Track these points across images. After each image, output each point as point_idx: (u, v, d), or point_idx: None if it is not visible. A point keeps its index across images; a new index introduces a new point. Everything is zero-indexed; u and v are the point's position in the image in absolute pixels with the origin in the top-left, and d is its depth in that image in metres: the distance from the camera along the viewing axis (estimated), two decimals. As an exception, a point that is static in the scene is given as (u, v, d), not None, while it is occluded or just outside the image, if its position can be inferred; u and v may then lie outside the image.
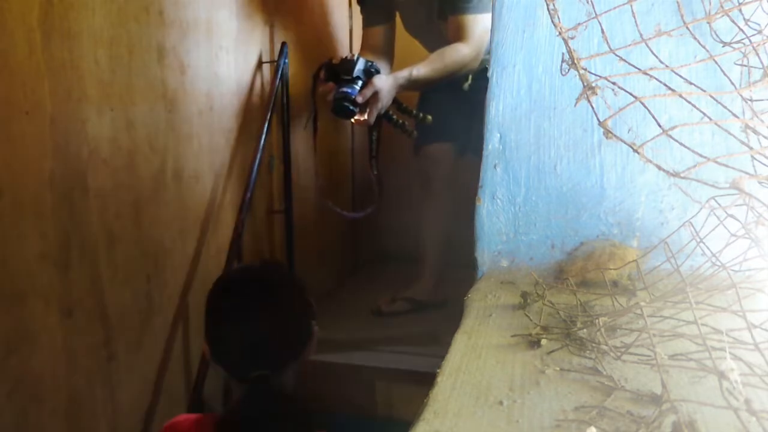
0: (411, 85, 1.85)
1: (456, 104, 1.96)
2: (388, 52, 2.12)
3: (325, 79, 1.85)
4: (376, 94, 1.80)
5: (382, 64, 2.02)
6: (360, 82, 1.79)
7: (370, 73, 1.82)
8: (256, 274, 1.13)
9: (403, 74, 1.83)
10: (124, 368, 1.55)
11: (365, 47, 2.10)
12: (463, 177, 1.87)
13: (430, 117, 1.93)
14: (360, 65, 1.82)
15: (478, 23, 1.80)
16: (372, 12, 2.08)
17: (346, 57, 1.83)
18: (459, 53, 1.81)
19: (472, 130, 1.92)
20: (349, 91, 1.77)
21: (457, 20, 1.81)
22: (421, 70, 1.83)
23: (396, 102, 1.91)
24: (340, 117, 1.83)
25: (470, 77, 1.96)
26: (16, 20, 1.23)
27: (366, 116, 1.83)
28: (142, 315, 1.61)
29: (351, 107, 1.78)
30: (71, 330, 1.40)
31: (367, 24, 2.10)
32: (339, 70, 1.82)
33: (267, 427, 1.01)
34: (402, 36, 2.22)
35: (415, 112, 1.95)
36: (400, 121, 1.97)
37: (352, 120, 1.86)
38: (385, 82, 1.81)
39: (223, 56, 1.97)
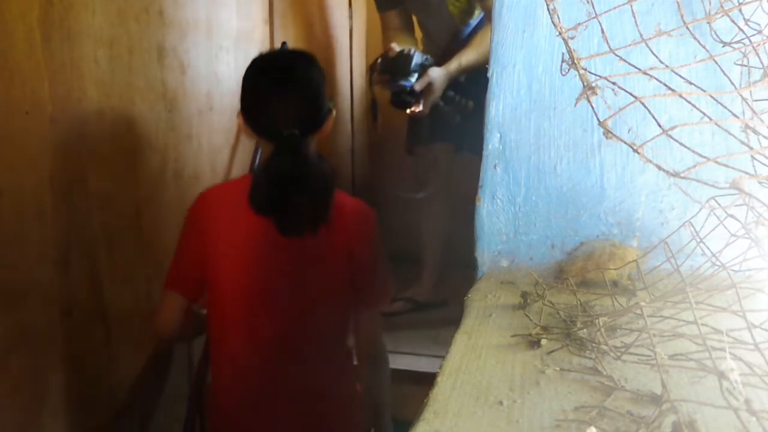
0: (461, 72, 1.90)
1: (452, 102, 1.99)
2: (409, 30, 2.17)
3: (380, 71, 1.93)
4: (430, 86, 1.88)
5: (409, 43, 2.07)
6: (416, 75, 1.89)
7: (424, 66, 1.91)
8: (288, 54, 1.49)
9: (453, 65, 1.91)
10: (124, 368, 1.55)
11: (386, 30, 2.15)
12: (462, 175, 1.89)
13: (471, 103, 1.97)
14: (417, 59, 1.91)
15: None
16: None
17: (402, 50, 1.91)
18: None
19: (468, 128, 1.93)
20: (407, 84, 1.88)
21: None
22: (470, 56, 1.90)
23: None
24: (398, 108, 1.94)
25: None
26: (16, 20, 1.23)
27: (421, 107, 1.93)
28: (142, 315, 1.61)
29: (409, 99, 1.90)
30: (71, 330, 1.40)
31: (381, 10, 2.15)
32: (396, 63, 1.91)
33: (296, 178, 1.20)
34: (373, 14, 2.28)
35: (457, 98, 1.99)
36: (447, 109, 2.02)
37: (408, 111, 1.94)
38: (438, 74, 1.89)
39: (223, 56, 1.97)
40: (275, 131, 1.22)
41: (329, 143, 2.73)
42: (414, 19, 2.20)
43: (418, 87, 1.86)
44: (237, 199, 1.21)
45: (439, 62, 1.98)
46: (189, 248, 1.32)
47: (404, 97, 1.90)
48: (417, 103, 1.91)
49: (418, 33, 2.22)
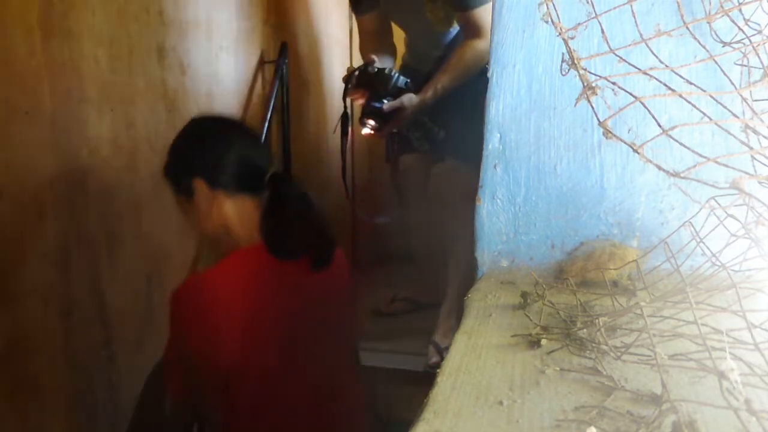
0: (437, 98, 1.84)
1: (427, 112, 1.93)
2: (386, 34, 2.10)
3: (355, 84, 1.84)
4: (401, 112, 1.81)
5: (384, 48, 2.02)
6: (390, 98, 1.81)
7: (401, 90, 1.83)
8: (233, 119, 1.43)
9: (429, 93, 1.82)
10: (124, 368, 1.55)
11: (363, 33, 2.09)
12: (447, 180, 1.86)
13: (443, 132, 1.92)
14: (398, 83, 1.83)
15: (488, 13, 1.77)
16: (357, 0, 2.05)
17: (384, 69, 1.83)
18: (477, 52, 1.77)
19: (448, 135, 1.91)
20: (380, 106, 1.80)
21: (471, 16, 1.78)
22: (445, 82, 1.82)
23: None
24: (361, 126, 1.86)
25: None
26: (16, 20, 1.23)
27: (380, 132, 1.86)
28: (142, 315, 1.61)
29: (376, 121, 1.82)
30: (71, 330, 1.40)
31: (357, 13, 2.08)
32: (374, 81, 1.83)
33: (310, 206, 1.18)
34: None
35: (429, 125, 1.94)
36: (416, 134, 1.96)
37: (363, 133, 1.87)
38: (412, 103, 1.81)
39: (223, 56, 1.97)
40: (260, 179, 1.18)
41: (329, 144, 2.74)
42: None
43: (386, 108, 1.78)
44: (244, 274, 1.12)
45: (423, 71, 1.94)
46: (198, 353, 1.11)
47: (371, 119, 1.81)
48: (380, 129, 1.83)
49: (399, 33, 2.16)
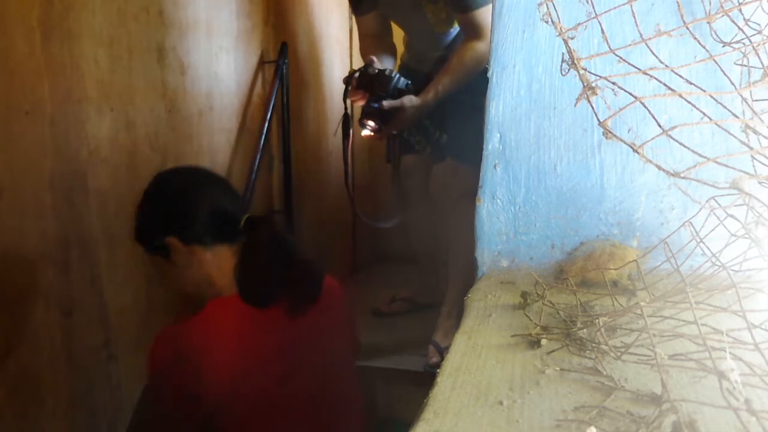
0: (438, 101, 1.82)
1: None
2: (386, 35, 2.09)
3: (356, 86, 1.82)
4: (402, 114, 1.79)
5: (385, 49, 2.00)
6: (390, 100, 1.78)
7: (402, 92, 1.80)
8: (193, 168, 1.29)
9: (430, 95, 1.80)
10: (124, 368, 1.55)
11: (362, 34, 2.07)
12: (452, 181, 1.85)
13: (444, 136, 1.91)
14: (398, 84, 1.81)
15: (489, 14, 1.76)
16: (355, 1, 2.04)
17: (384, 71, 1.81)
18: (478, 53, 1.76)
19: (449, 137, 1.90)
20: (379, 106, 1.77)
21: (471, 17, 1.77)
22: (446, 84, 1.80)
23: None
24: (361, 128, 1.83)
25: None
26: (16, 20, 1.23)
27: (379, 134, 1.83)
28: (142, 315, 1.61)
29: (375, 122, 1.79)
30: (71, 330, 1.40)
31: (357, 13, 2.06)
32: (374, 82, 1.80)
33: (287, 248, 1.15)
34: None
35: (430, 129, 1.92)
36: (417, 137, 1.95)
37: (363, 134, 1.86)
38: (412, 105, 1.79)
39: (223, 56, 1.97)
40: (234, 226, 1.14)
41: (329, 144, 2.74)
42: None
43: (386, 106, 1.76)
44: (219, 327, 1.09)
45: (423, 71, 1.94)
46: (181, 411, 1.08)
47: (371, 119, 1.79)
48: (380, 130, 1.81)
49: (399, 33, 2.14)
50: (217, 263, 1.13)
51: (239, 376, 1.07)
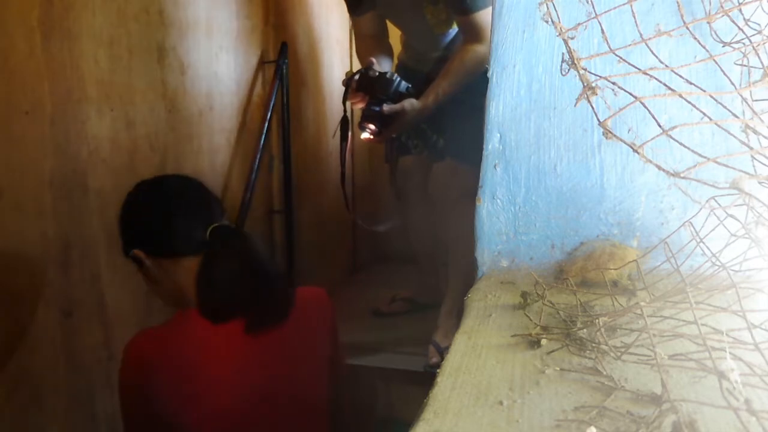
0: (439, 104, 1.81)
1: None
2: (383, 36, 2.08)
3: (356, 88, 1.82)
4: (402, 117, 1.78)
5: (382, 50, 1.99)
6: (390, 103, 1.78)
7: (402, 95, 1.80)
8: (160, 179, 1.23)
9: (430, 98, 1.79)
10: (124, 368, 1.55)
11: (360, 35, 2.06)
12: (452, 180, 1.85)
13: (442, 140, 1.90)
14: (399, 87, 1.80)
15: (488, 16, 1.75)
16: (353, 2, 2.03)
17: (385, 73, 1.81)
18: (478, 55, 1.76)
19: (445, 136, 1.89)
20: (380, 109, 1.76)
21: (471, 19, 1.77)
22: (446, 88, 1.79)
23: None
24: (360, 131, 1.83)
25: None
26: (16, 20, 1.23)
27: (378, 137, 1.83)
28: (142, 315, 1.61)
29: (375, 125, 1.78)
30: (71, 330, 1.40)
31: (354, 14, 2.05)
32: (375, 85, 1.80)
33: (245, 257, 1.09)
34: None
35: (428, 133, 1.92)
36: (415, 141, 1.94)
37: (362, 137, 1.85)
38: (413, 108, 1.78)
39: (223, 56, 1.97)
40: (195, 238, 1.10)
41: (329, 144, 2.74)
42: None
43: (386, 110, 1.75)
44: (181, 342, 1.08)
45: (422, 71, 1.93)
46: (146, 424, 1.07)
47: (370, 122, 1.78)
48: (380, 134, 1.80)
49: (395, 31, 2.14)
50: (185, 275, 1.10)
51: (191, 391, 1.05)
